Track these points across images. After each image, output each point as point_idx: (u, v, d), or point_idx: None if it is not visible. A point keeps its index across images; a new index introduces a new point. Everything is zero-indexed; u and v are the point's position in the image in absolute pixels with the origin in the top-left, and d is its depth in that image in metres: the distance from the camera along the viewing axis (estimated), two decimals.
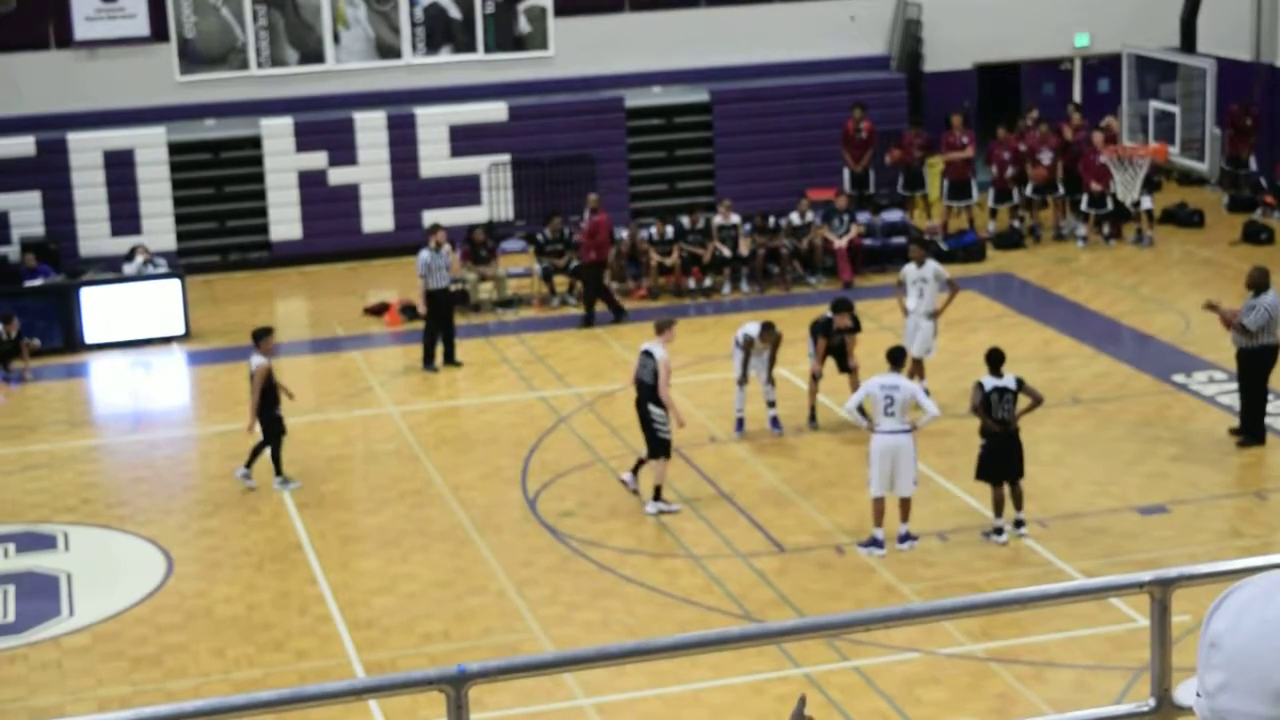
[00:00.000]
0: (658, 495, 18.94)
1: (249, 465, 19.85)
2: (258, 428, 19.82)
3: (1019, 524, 17.98)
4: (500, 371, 23.99)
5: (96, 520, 19.33)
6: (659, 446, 18.88)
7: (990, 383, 17.97)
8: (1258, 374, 20.14)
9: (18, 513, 19.64)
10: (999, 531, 17.91)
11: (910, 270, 21.88)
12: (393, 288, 27.31)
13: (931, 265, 21.93)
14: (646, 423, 18.89)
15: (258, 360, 19.72)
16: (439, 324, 23.98)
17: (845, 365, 21.33)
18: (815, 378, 21.18)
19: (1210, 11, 27.59)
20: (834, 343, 21.17)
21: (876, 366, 20.46)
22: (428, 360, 23.97)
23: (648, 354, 18.97)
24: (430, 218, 28.99)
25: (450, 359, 24.10)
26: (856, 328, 21.27)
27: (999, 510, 17.93)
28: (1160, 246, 28.70)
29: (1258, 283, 20.08)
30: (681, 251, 27.04)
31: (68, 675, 15.82)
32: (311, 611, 16.85)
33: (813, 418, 21.28)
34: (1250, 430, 20.24)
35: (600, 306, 25.85)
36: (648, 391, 18.86)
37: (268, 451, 19.86)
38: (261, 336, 19.90)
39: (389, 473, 20.44)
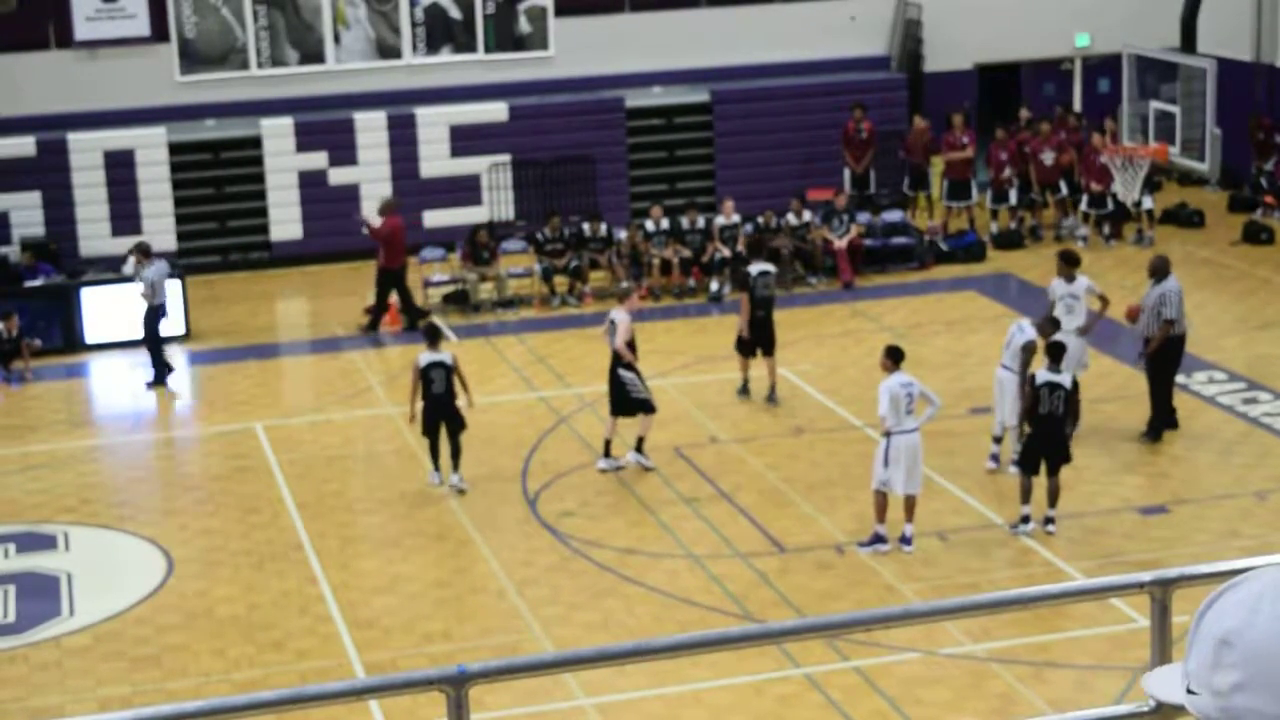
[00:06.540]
0: (639, 447, 19.74)
1: (456, 469, 19.60)
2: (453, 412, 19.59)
3: (1048, 520, 17.96)
4: (500, 371, 23.98)
5: (96, 520, 19.32)
6: (635, 405, 19.65)
7: (1043, 376, 17.87)
8: (1166, 367, 20.21)
9: (18, 513, 19.63)
10: (1025, 521, 17.90)
11: (1059, 286, 20.55)
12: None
13: (1083, 281, 20.67)
14: (618, 386, 19.68)
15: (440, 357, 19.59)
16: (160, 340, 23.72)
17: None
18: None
19: (1210, 11, 27.60)
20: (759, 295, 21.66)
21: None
22: (162, 377, 23.59)
23: (612, 321, 19.82)
24: (431, 218, 29.01)
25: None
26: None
27: (1026, 498, 17.90)
28: (1160, 246, 28.65)
29: (1159, 270, 20.22)
30: (678, 252, 27.05)
31: (68, 675, 15.82)
32: (311, 611, 16.84)
33: (744, 388, 21.83)
34: (1160, 425, 20.31)
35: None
36: (616, 358, 19.73)
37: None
38: (437, 337, 19.78)
39: (389, 473, 20.44)
